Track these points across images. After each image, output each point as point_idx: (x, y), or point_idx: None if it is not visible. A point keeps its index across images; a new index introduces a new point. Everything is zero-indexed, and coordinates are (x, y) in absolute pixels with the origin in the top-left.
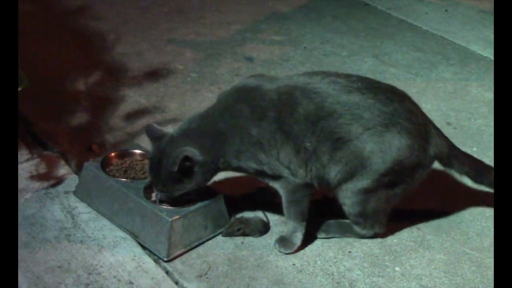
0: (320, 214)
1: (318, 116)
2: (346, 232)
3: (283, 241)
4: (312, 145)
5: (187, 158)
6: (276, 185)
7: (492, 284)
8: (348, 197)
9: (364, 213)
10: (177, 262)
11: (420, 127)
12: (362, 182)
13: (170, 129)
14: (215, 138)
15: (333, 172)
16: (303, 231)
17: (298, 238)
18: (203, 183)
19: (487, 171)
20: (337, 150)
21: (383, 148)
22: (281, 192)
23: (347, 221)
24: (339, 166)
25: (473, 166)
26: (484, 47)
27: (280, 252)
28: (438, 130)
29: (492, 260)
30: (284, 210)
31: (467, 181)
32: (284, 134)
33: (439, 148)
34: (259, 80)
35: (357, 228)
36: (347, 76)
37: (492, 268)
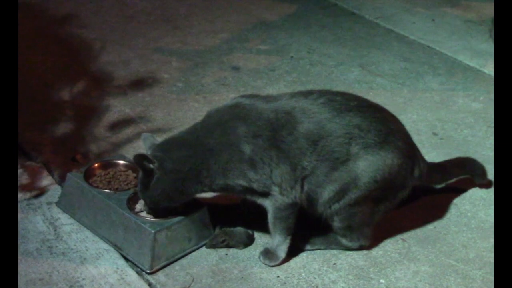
0: (306, 227)
1: (319, 135)
2: (331, 244)
3: (268, 254)
4: (311, 164)
5: (146, 159)
6: (263, 202)
7: None
8: (337, 213)
9: (350, 226)
10: (160, 274)
11: (410, 147)
12: (352, 198)
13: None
14: (199, 151)
15: (327, 192)
16: (288, 244)
17: (283, 251)
18: (179, 196)
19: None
20: (334, 170)
21: (376, 166)
22: (268, 208)
23: (332, 233)
24: (333, 185)
25: (456, 168)
26: (471, 57)
27: (265, 264)
28: (420, 153)
29: (477, 272)
30: (270, 225)
31: (452, 193)
32: (280, 152)
33: (421, 170)
34: (253, 99)
35: (343, 241)
36: (342, 94)
37: (478, 280)
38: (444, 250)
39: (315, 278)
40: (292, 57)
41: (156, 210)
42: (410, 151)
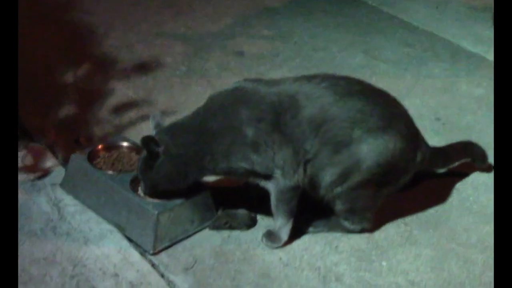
0: (308, 210)
1: (322, 119)
2: (334, 227)
3: (271, 236)
4: (314, 148)
5: (153, 141)
6: (266, 184)
7: (479, 280)
8: (339, 196)
9: (353, 209)
10: (163, 255)
11: (413, 132)
12: (354, 181)
13: None
14: (202, 136)
15: (329, 175)
16: (291, 226)
17: (285, 233)
18: (182, 181)
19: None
20: (337, 153)
21: (378, 150)
22: (271, 191)
23: (335, 216)
24: (336, 169)
25: (457, 153)
26: (474, 43)
27: (267, 246)
28: (423, 138)
29: (479, 255)
30: (273, 207)
31: (455, 177)
32: (283, 136)
33: (424, 155)
34: (255, 83)
35: (345, 224)
36: (346, 79)
37: (479, 264)
38: (446, 234)
39: (317, 260)
40: (295, 42)
41: (154, 194)
42: (413, 136)
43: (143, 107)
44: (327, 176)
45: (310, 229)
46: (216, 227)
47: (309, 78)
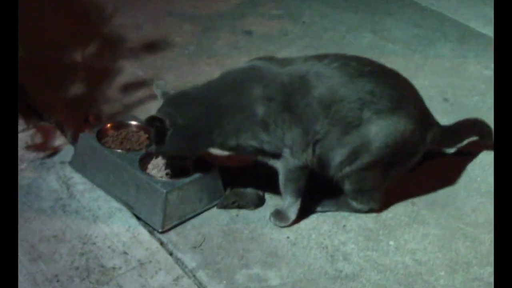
0: (317, 189)
1: (332, 100)
2: (342, 206)
3: (279, 215)
4: (324, 129)
5: (157, 120)
6: (274, 163)
7: (486, 259)
8: (348, 176)
9: (361, 189)
10: (171, 233)
11: (423, 113)
12: (363, 162)
13: None
14: (213, 110)
15: (338, 156)
16: (299, 205)
17: (294, 212)
18: (192, 152)
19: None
20: (346, 134)
21: (388, 132)
22: (279, 170)
23: (343, 196)
24: (345, 149)
25: (466, 130)
26: (483, 24)
27: (275, 225)
28: (434, 118)
29: (486, 235)
30: (281, 186)
31: (463, 158)
32: (293, 116)
33: (434, 135)
34: (268, 62)
35: (353, 203)
36: (357, 59)
37: (486, 244)
38: (453, 214)
39: (324, 239)
40: (304, 22)
41: (172, 163)
42: (423, 116)
43: (151, 86)
44: (337, 157)
45: (318, 208)
46: (224, 206)
47: (320, 58)
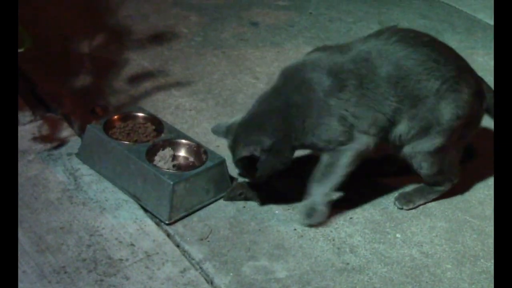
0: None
1: (398, 76)
2: (428, 194)
3: (311, 213)
4: (393, 106)
5: (247, 158)
6: (330, 152)
7: (493, 252)
8: (425, 160)
9: (442, 170)
10: (178, 225)
11: (477, 80)
12: (438, 141)
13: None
14: (290, 112)
15: (409, 130)
16: (330, 200)
17: (326, 206)
18: (282, 164)
19: None
20: (414, 108)
21: (456, 104)
22: (328, 164)
23: (422, 185)
24: (415, 123)
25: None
26: (491, 15)
27: (307, 225)
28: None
29: (493, 228)
30: (317, 177)
31: (469, 150)
32: (366, 101)
33: (488, 102)
34: (329, 53)
35: (437, 187)
36: (413, 31)
37: (493, 236)
38: (461, 206)
39: (331, 231)
40: (310, 13)
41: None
42: (478, 84)
43: (158, 78)
44: (408, 131)
45: (410, 205)
46: (231, 197)
47: (377, 35)
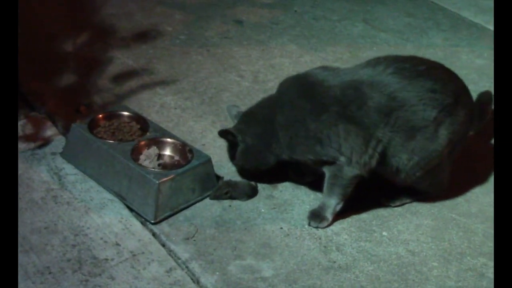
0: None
1: (391, 107)
2: (414, 195)
3: (317, 216)
4: (386, 136)
5: (229, 133)
6: (326, 168)
7: (479, 250)
8: (422, 177)
9: (433, 181)
10: (164, 224)
11: (470, 98)
12: (434, 162)
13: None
14: (271, 127)
15: (408, 161)
16: (339, 209)
17: (332, 213)
18: (261, 165)
19: None
20: (412, 139)
21: (453, 127)
22: (331, 174)
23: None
24: (415, 155)
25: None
26: (475, 13)
27: (313, 227)
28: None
29: (479, 225)
30: (326, 188)
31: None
32: (350, 126)
33: (475, 115)
34: (322, 74)
35: (427, 193)
36: (410, 59)
37: (479, 234)
38: (447, 204)
39: (318, 230)
40: (295, 11)
41: (246, 175)
42: (470, 102)
43: (143, 76)
44: (407, 162)
45: (397, 202)
46: (217, 196)
47: (374, 65)
